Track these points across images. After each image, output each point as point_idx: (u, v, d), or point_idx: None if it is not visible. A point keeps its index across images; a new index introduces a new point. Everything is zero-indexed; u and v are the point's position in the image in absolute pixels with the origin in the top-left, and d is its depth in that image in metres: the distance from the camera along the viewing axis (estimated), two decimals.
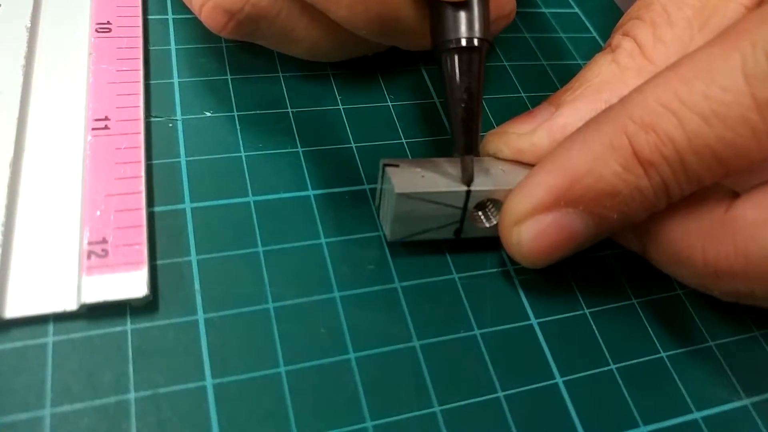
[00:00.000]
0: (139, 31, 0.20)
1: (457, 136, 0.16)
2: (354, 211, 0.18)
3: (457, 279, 0.17)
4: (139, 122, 0.18)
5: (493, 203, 0.17)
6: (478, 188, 0.16)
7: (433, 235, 0.17)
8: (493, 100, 0.22)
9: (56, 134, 0.17)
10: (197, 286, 0.16)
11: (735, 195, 0.14)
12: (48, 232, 0.15)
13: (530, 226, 0.15)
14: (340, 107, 0.20)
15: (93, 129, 0.17)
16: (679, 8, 0.17)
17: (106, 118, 0.17)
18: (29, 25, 0.19)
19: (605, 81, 0.17)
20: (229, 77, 0.20)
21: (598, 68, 0.17)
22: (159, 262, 0.16)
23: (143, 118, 0.18)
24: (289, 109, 0.20)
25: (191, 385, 0.14)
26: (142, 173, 0.17)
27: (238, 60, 0.21)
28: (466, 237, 0.17)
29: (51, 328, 0.14)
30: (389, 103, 0.21)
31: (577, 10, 0.27)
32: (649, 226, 0.15)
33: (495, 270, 0.17)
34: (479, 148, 0.17)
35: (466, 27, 0.16)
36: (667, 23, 0.16)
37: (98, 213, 0.15)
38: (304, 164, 0.18)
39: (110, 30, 0.20)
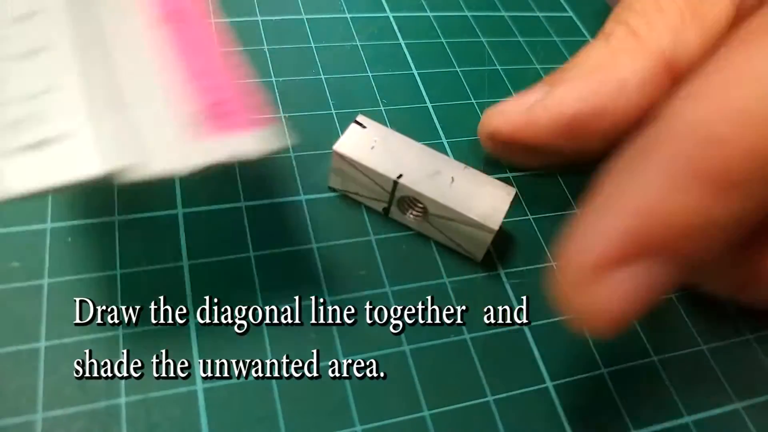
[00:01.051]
0: None
1: None
2: (345, 217, 0.18)
3: (447, 283, 0.17)
4: None
5: (420, 203, 0.17)
6: (404, 183, 0.16)
7: (366, 202, 0.18)
8: (485, 104, 0.22)
9: None
10: (188, 291, 0.16)
11: None
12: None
13: (602, 288, 0.11)
14: (333, 112, 0.20)
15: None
16: None
17: None
18: None
19: (600, 64, 0.17)
20: None
21: (592, 52, 0.17)
22: (149, 267, 0.16)
23: None
24: (281, 114, 0.20)
25: (182, 390, 0.14)
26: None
27: None
28: (393, 218, 0.18)
29: (43, 333, 0.14)
30: (382, 108, 0.21)
31: (571, 13, 0.27)
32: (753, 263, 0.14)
33: (486, 274, 0.17)
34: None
35: None
36: (659, 11, 0.17)
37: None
38: (296, 169, 0.19)
39: None
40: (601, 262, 0.11)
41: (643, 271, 0.11)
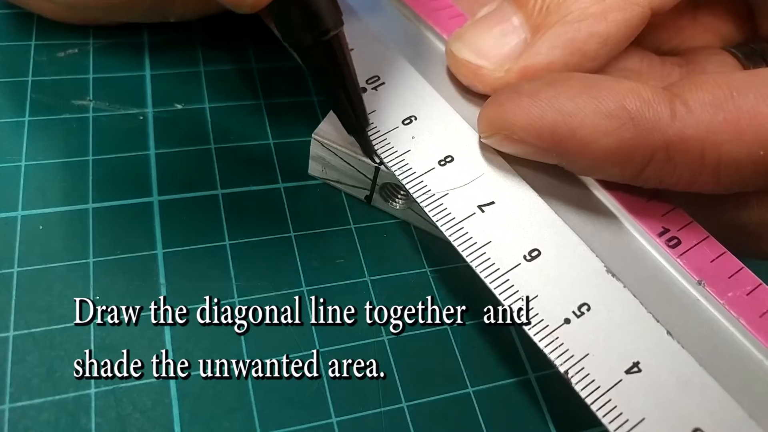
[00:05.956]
0: None
1: (346, 118, 0.15)
2: (324, 205, 0.17)
3: (428, 272, 0.17)
4: None
5: (403, 191, 0.17)
6: (387, 170, 0.16)
7: (347, 190, 0.18)
8: None
9: None
10: (162, 280, 0.15)
11: None
12: None
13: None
14: (314, 99, 0.20)
15: None
16: None
17: None
18: None
19: (588, 11, 0.15)
20: (201, 69, 0.20)
21: None
22: (123, 255, 0.15)
23: None
24: (262, 101, 0.19)
25: (154, 381, 0.14)
26: None
27: (211, 52, 0.20)
28: (376, 206, 0.17)
29: (12, 322, 0.14)
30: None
31: None
32: None
33: (467, 264, 0.17)
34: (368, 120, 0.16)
35: (314, 22, 0.14)
36: None
37: None
38: (275, 156, 0.18)
39: None
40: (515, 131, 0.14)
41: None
